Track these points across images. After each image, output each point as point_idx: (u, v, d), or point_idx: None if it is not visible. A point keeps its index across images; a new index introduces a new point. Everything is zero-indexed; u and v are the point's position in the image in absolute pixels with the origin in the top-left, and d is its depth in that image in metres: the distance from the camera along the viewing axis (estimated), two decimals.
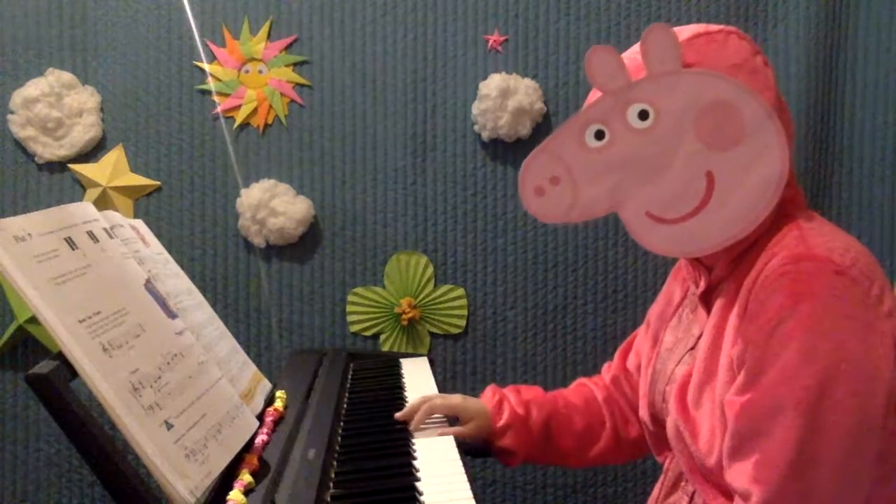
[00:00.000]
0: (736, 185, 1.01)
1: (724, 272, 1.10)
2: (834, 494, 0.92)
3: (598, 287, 1.92)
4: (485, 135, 1.86)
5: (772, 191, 1.01)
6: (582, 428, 1.38)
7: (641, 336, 1.39)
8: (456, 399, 1.35)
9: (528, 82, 1.85)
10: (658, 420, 1.24)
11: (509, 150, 1.89)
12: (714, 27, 1.08)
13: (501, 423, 1.34)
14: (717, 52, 1.05)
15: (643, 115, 1.04)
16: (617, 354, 1.46)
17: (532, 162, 1.08)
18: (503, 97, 1.82)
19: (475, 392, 1.91)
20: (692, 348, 1.16)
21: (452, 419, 1.34)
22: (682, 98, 1.02)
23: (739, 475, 0.96)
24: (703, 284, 1.14)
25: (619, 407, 1.41)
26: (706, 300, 1.15)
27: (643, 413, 1.27)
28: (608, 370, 1.46)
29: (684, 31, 1.07)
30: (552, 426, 1.37)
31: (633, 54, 1.08)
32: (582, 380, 1.48)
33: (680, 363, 1.17)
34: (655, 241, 1.06)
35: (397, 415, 1.30)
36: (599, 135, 1.06)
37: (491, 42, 1.88)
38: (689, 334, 1.19)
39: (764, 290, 0.98)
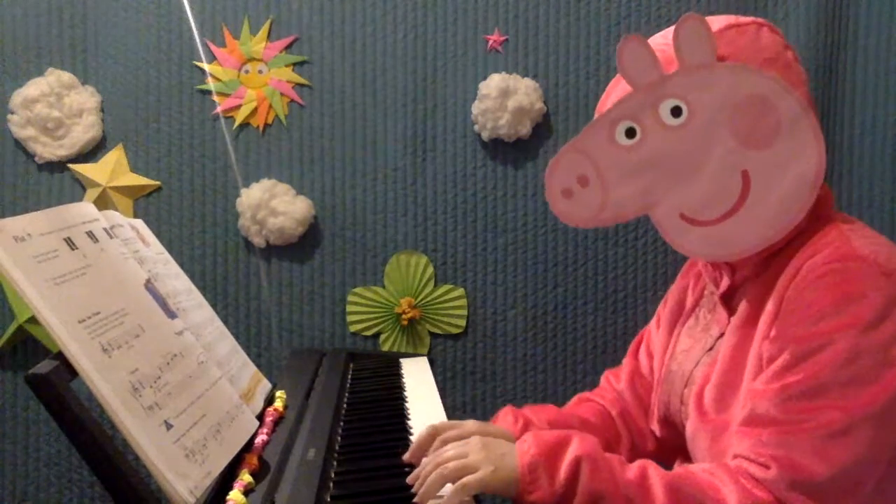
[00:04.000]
0: (772, 184, 0.97)
1: (752, 272, 1.07)
2: (851, 478, 0.91)
3: (598, 287, 1.92)
4: (485, 135, 1.86)
5: (809, 189, 0.97)
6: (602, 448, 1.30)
7: (654, 336, 1.34)
8: (471, 427, 1.09)
9: (528, 82, 1.85)
10: (669, 423, 1.21)
11: (509, 150, 1.89)
12: (744, 19, 1.04)
13: None
14: (750, 45, 1.01)
15: (676, 112, 1.00)
16: (627, 360, 1.38)
17: (559, 161, 1.04)
18: (503, 97, 1.82)
19: (476, 393, 1.92)
20: (710, 349, 1.12)
21: None
22: (716, 93, 0.98)
23: (758, 446, 0.93)
24: (724, 285, 1.10)
25: (634, 421, 1.32)
26: (727, 300, 1.11)
27: (652, 420, 1.24)
28: (617, 380, 1.37)
29: (714, 23, 1.02)
30: None
31: (661, 45, 1.03)
32: (584, 395, 1.37)
33: (699, 364, 1.14)
34: (690, 243, 1.02)
35: (406, 457, 1.09)
36: (630, 132, 1.01)
37: (491, 42, 1.88)
38: (707, 335, 1.15)
39: (806, 288, 0.95)
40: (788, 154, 0.97)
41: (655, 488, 0.93)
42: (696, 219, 1.01)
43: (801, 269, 0.97)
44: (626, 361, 1.39)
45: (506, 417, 1.25)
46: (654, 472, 0.96)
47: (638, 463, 0.98)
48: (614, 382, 1.37)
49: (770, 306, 1.00)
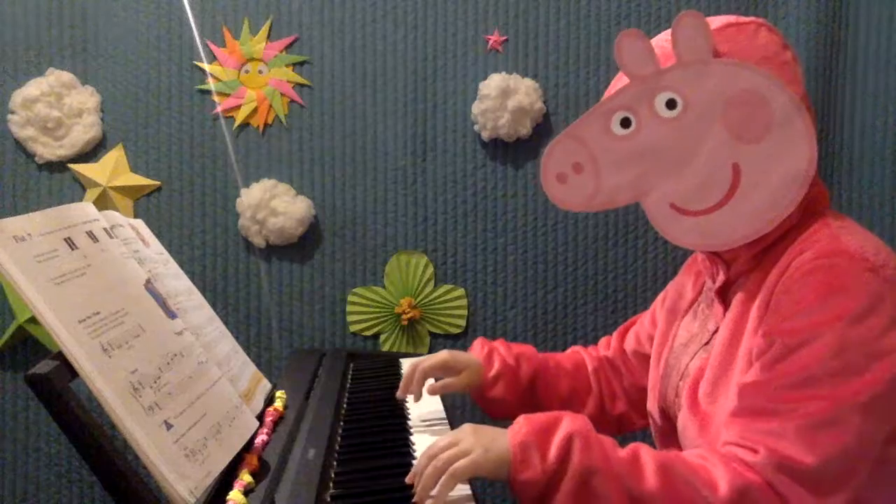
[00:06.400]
0: (762, 178, 1.00)
1: (746, 267, 1.09)
2: (840, 467, 0.91)
3: (598, 287, 1.92)
4: (485, 135, 1.86)
5: (798, 185, 0.99)
6: (567, 392, 1.39)
7: (646, 322, 1.39)
8: (444, 355, 1.35)
9: (528, 82, 1.85)
10: (666, 414, 1.23)
11: (509, 150, 1.89)
12: (744, 18, 1.07)
13: (492, 372, 1.34)
14: (747, 43, 1.03)
15: (671, 104, 1.02)
16: (615, 336, 1.46)
17: (555, 147, 1.07)
18: (503, 97, 1.82)
19: None
20: (707, 343, 1.15)
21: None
22: (711, 88, 1.00)
23: (746, 433, 0.94)
24: (720, 279, 1.12)
25: (607, 382, 1.42)
26: (723, 295, 1.13)
27: (651, 406, 1.27)
28: (606, 346, 1.46)
29: (714, 21, 1.05)
30: (538, 382, 1.37)
31: (662, 42, 1.06)
32: (576, 347, 1.49)
33: (694, 358, 1.16)
34: (678, 232, 1.06)
35: (398, 393, 1.34)
36: (625, 122, 1.04)
37: (491, 42, 1.88)
38: (704, 329, 1.17)
39: (794, 283, 0.97)
40: (779, 149, 1.00)
41: (647, 467, 0.94)
42: (686, 209, 1.04)
43: (791, 265, 0.99)
44: (614, 338, 1.47)
45: (475, 345, 1.41)
46: (646, 452, 0.96)
47: (631, 444, 0.99)
48: (602, 347, 1.47)
49: (760, 301, 1.02)
